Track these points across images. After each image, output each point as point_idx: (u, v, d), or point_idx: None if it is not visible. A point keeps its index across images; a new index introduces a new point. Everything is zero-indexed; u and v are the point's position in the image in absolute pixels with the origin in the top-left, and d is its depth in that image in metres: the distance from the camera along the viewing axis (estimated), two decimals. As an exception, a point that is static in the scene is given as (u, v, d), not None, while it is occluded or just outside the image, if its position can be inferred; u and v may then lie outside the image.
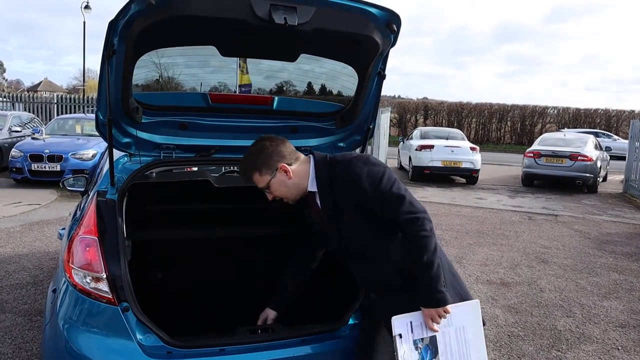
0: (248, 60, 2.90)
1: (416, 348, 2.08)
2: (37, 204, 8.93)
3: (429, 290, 2.02)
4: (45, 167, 10.53)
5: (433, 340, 2.08)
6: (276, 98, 2.73)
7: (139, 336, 2.13)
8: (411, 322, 2.07)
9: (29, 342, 3.82)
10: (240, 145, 2.67)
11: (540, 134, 22.31)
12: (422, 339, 2.08)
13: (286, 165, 2.12)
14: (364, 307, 2.39)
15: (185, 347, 2.16)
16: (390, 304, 2.15)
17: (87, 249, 2.19)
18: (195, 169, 3.02)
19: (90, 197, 2.58)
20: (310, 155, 2.18)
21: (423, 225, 1.99)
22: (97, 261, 2.14)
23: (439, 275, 2.02)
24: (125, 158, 2.69)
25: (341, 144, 2.91)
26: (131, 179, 2.39)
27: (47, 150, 10.64)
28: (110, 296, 2.11)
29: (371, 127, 2.82)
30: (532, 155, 13.69)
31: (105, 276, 2.12)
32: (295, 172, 2.14)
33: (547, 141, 14.53)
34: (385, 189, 2.01)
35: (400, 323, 2.08)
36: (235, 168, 3.35)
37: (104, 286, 2.12)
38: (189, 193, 2.95)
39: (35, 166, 10.53)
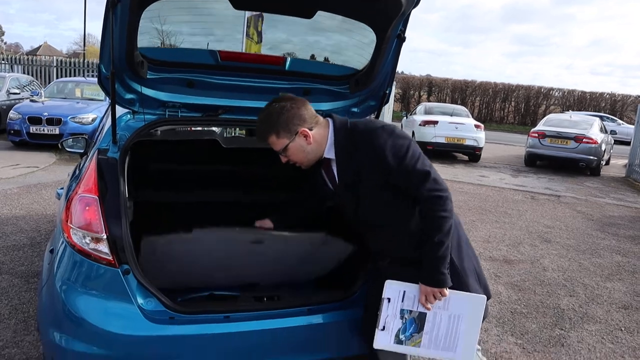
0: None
1: (402, 317, 2.04)
2: (35, 167, 8.82)
3: (432, 268, 1.96)
4: (44, 130, 10.37)
5: (422, 316, 2.03)
6: (289, 58, 2.60)
7: (140, 300, 2.04)
8: (404, 292, 2.03)
9: (25, 303, 3.76)
10: (249, 106, 2.55)
11: (544, 115, 22.15)
12: (411, 311, 2.03)
13: (307, 130, 2.01)
14: (372, 274, 2.30)
15: (188, 312, 2.08)
16: (400, 274, 2.08)
17: (87, 208, 2.08)
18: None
19: (90, 155, 2.47)
20: (329, 119, 2.06)
21: (444, 205, 1.93)
22: (97, 221, 2.04)
23: (446, 257, 1.97)
24: (129, 115, 2.56)
25: (355, 109, 2.79)
26: (135, 137, 2.27)
27: (46, 113, 10.47)
28: (110, 258, 2.01)
29: (387, 92, 2.69)
30: (536, 135, 13.54)
31: (105, 237, 2.02)
32: (315, 138, 2.03)
33: (552, 122, 14.37)
34: (409, 164, 1.93)
35: (392, 288, 2.03)
36: (242, 131, 3.22)
37: (104, 247, 2.02)
38: (195, 154, 2.83)
39: (33, 129, 10.37)
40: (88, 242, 2.04)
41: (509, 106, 32.20)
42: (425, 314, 2.03)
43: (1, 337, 3.31)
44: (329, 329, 2.25)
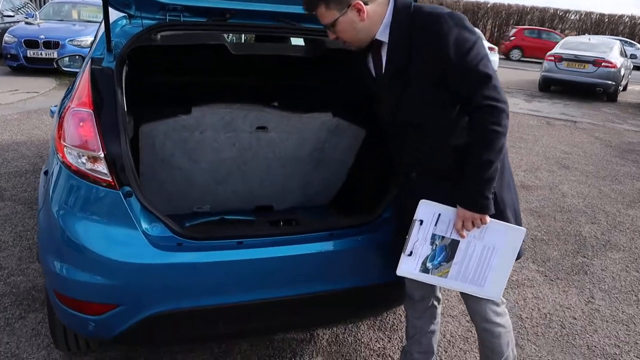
0: None
1: (432, 243, 1.84)
2: (35, 92, 8.52)
3: (475, 191, 1.73)
4: (41, 54, 9.95)
5: (454, 244, 1.83)
6: None
7: (144, 225, 1.86)
8: (439, 215, 1.81)
9: (29, 230, 3.63)
10: (261, 9, 2.24)
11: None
12: (443, 237, 1.83)
13: (361, 3, 1.74)
14: (402, 192, 2.09)
15: (197, 238, 1.90)
16: (430, 188, 1.87)
17: (81, 123, 1.85)
18: None
19: (83, 66, 2.20)
20: None
21: (499, 118, 1.68)
22: (93, 138, 1.81)
23: (492, 180, 1.73)
24: (124, 20, 2.27)
25: None
26: (132, 43, 1.99)
27: (42, 36, 9.99)
28: (109, 179, 1.80)
29: None
30: (552, 58, 12.96)
31: (102, 155, 1.80)
32: (369, 14, 1.76)
33: (570, 45, 13.72)
34: (471, 61, 1.67)
35: (427, 209, 1.82)
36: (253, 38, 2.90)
37: (102, 167, 1.81)
38: (200, 62, 2.56)
39: (30, 53, 9.94)
40: (84, 161, 1.82)
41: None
42: (458, 242, 1.83)
43: (6, 264, 3.19)
44: (352, 255, 2.08)
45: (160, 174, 2.44)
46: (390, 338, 2.74)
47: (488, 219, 1.77)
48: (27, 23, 10.89)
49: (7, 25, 11.75)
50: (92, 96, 1.87)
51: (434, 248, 1.84)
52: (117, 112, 1.86)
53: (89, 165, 1.82)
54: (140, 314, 1.88)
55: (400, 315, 2.89)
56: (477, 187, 1.72)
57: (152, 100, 2.40)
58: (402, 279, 2.16)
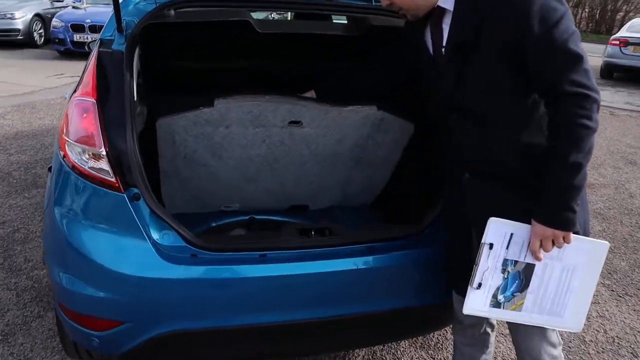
0: None
1: (503, 271, 1.50)
2: (79, 76, 8.53)
3: (558, 203, 1.39)
4: (87, 38, 9.98)
5: (528, 269, 1.49)
6: None
7: (153, 234, 1.62)
8: (511, 235, 1.47)
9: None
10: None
11: (622, 22, 19.95)
12: (516, 262, 1.49)
13: None
14: (450, 196, 1.78)
15: (214, 249, 1.65)
16: (487, 194, 1.55)
17: (84, 115, 1.62)
18: None
19: (93, 49, 1.97)
20: None
21: (590, 111, 1.34)
22: (95, 132, 1.58)
23: (581, 188, 1.39)
24: (137, -3, 2.03)
25: None
26: (144, 21, 1.74)
27: (88, 20, 10.05)
28: (113, 179, 1.57)
29: None
30: (617, 43, 12.05)
31: (104, 152, 1.56)
32: None
33: (638, 27, 12.74)
34: (559, 37, 1.34)
35: (497, 230, 1.48)
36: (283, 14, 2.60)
37: (104, 165, 1.57)
38: (221, 43, 2.29)
39: (77, 37, 10.02)
40: (86, 159, 1.60)
41: (581, 12, 29.38)
42: (534, 266, 1.50)
43: (32, 256, 3.08)
44: (394, 273, 1.79)
45: (183, 171, 2.21)
46: (434, 359, 2.44)
47: (572, 236, 1.43)
48: (74, 7, 10.97)
49: (57, 10, 11.91)
50: (96, 83, 1.64)
51: (505, 276, 1.51)
52: (124, 102, 1.62)
53: (92, 163, 1.59)
54: (149, 332, 1.66)
55: (447, 332, 2.58)
56: (561, 198, 1.38)
57: (169, 89, 2.16)
58: (450, 299, 1.86)
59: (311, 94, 2.08)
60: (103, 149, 1.56)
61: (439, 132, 1.69)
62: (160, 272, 1.58)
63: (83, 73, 1.86)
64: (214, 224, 2.40)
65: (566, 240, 1.42)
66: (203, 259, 1.64)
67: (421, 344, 2.52)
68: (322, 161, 2.32)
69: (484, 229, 1.48)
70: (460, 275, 1.72)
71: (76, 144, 1.60)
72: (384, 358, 2.41)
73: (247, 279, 1.64)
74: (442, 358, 2.44)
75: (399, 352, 2.45)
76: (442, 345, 2.52)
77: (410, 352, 2.46)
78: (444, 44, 1.53)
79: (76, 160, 1.60)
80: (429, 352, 2.48)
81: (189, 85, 2.28)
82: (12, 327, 2.47)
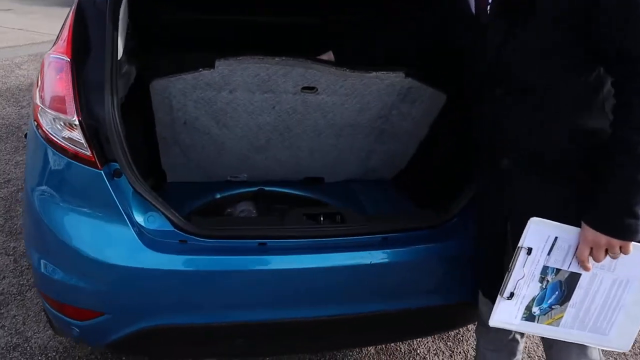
0: None
1: (542, 279, 1.25)
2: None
3: (620, 206, 1.13)
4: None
5: (572, 279, 1.25)
6: None
7: (137, 216, 1.41)
8: (555, 239, 1.22)
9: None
10: None
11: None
12: (558, 270, 1.24)
13: None
14: (481, 184, 1.53)
15: (206, 236, 1.43)
16: (529, 186, 1.31)
17: (58, 76, 1.39)
18: None
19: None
20: None
21: None
22: (68, 96, 1.35)
23: None
24: None
25: None
26: None
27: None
28: (88, 153, 1.35)
29: None
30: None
31: (77, 121, 1.33)
32: None
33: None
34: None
35: (539, 232, 1.23)
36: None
37: (78, 136, 1.35)
38: None
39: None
40: (60, 127, 1.37)
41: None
42: (579, 276, 1.25)
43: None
44: (417, 268, 1.55)
45: (185, 138, 1.99)
46: (453, 352, 2.23)
47: (632, 247, 1.17)
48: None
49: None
50: (72, 39, 1.39)
51: (544, 286, 1.26)
52: (104, 62, 1.38)
53: (66, 133, 1.37)
54: (133, 325, 1.47)
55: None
56: (622, 199, 1.12)
57: (163, 46, 1.91)
58: (476, 297, 1.63)
59: (329, 56, 1.79)
60: (75, 117, 1.33)
61: (475, 108, 1.42)
62: (142, 262, 1.37)
63: (62, 25, 1.61)
64: (218, 195, 2.19)
65: (623, 250, 1.17)
66: (193, 246, 1.43)
67: (440, 334, 2.31)
68: (339, 132, 2.07)
69: (521, 226, 1.24)
70: (489, 275, 1.49)
71: (49, 110, 1.38)
72: (398, 349, 2.21)
73: (243, 271, 1.43)
74: (462, 351, 2.23)
75: (415, 342, 2.25)
76: (462, 337, 2.31)
77: (427, 343, 2.26)
78: (490, 2, 1.25)
79: (49, 130, 1.38)
80: (448, 343, 2.27)
81: (186, 43, 2.02)
82: (7, 297, 2.34)
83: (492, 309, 1.36)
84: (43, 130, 1.40)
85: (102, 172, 1.35)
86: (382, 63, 1.83)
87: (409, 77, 1.84)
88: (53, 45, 1.51)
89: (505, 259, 1.40)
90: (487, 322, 1.49)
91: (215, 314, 1.47)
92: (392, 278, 1.53)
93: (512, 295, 1.26)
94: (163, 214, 1.41)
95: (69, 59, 1.37)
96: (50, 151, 1.39)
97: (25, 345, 2.10)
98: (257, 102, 1.85)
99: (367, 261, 1.48)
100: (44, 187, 1.42)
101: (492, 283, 1.39)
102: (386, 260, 1.50)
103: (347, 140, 2.13)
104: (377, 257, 1.49)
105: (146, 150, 1.93)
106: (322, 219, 1.58)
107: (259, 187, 2.25)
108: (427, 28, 1.73)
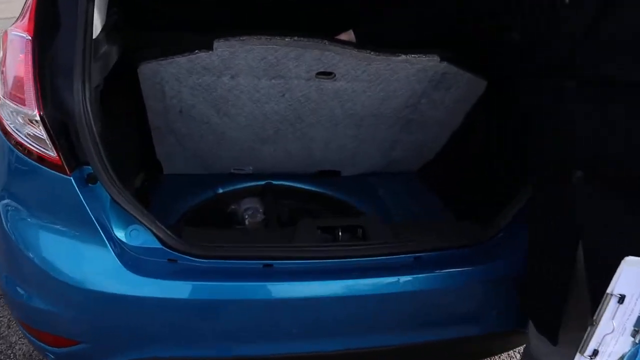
0: None
1: (635, 333, 0.98)
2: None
3: None
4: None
5: None
6: None
7: (117, 231, 1.16)
8: None
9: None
10: None
11: None
12: None
13: None
14: (543, 199, 1.23)
15: (200, 255, 1.18)
16: (612, 207, 1.03)
17: (17, 59, 1.12)
18: None
19: None
20: None
21: None
22: (27, 84, 1.08)
23: None
24: None
25: None
26: None
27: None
28: (53, 154, 1.09)
29: None
30: None
31: (37, 116, 1.08)
32: None
33: None
34: None
35: (634, 275, 0.95)
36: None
37: (41, 134, 1.09)
38: None
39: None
40: (21, 122, 1.12)
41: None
42: None
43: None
44: (455, 294, 1.30)
45: (181, 127, 1.74)
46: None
47: None
48: None
49: None
50: (36, 12, 1.13)
51: (637, 341, 1.00)
52: (76, 40, 1.11)
53: (28, 129, 1.11)
54: (115, 356, 1.24)
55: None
56: None
57: (152, 23, 1.64)
58: (525, 326, 1.36)
59: (349, 35, 1.51)
60: (36, 110, 1.07)
61: (537, 106, 1.13)
62: (121, 287, 1.13)
63: None
64: (221, 190, 1.96)
65: None
66: (184, 266, 1.18)
67: None
68: (359, 122, 1.80)
69: (600, 251, 0.99)
70: (549, 307, 1.21)
71: (10, 101, 1.12)
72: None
73: (244, 300, 1.18)
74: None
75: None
76: None
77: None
78: None
79: (11, 126, 1.13)
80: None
81: (179, 20, 1.74)
82: (-8, 297, 2.14)
83: (546, 344, 1.12)
84: (4, 126, 1.15)
85: (71, 178, 1.10)
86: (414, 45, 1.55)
87: (444, 62, 1.54)
88: (16, 20, 1.25)
89: (572, 285, 1.14)
90: (539, 357, 1.26)
91: (213, 346, 1.23)
92: (426, 305, 1.27)
93: (595, 353, 0.99)
94: (147, 227, 1.17)
95: (30, 37, 1.10)
96: (14, 153, 1.14)
97: (9, 352, 1.91)
98: (264, 89, 1.58)
99: (395, 288, 1.22)
100: (7, 200, 1.18)
101: (550, 316, 1.13)
102: (420, 287, 1.24)
103: (369, 131, 1.87)
104: (408, 283, 1.23)
105: (137, 140, 1.69)
106: (339, 233, 1.31)
107: (266, 181, 2.01)
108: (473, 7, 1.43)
